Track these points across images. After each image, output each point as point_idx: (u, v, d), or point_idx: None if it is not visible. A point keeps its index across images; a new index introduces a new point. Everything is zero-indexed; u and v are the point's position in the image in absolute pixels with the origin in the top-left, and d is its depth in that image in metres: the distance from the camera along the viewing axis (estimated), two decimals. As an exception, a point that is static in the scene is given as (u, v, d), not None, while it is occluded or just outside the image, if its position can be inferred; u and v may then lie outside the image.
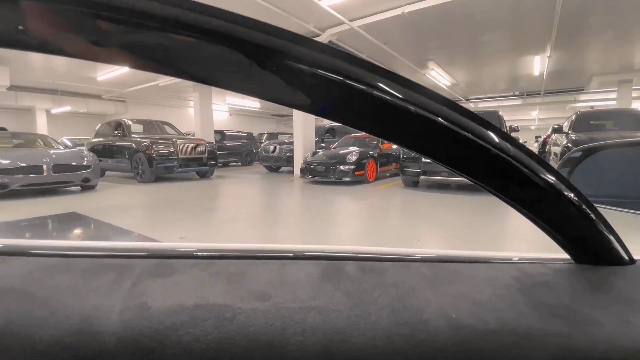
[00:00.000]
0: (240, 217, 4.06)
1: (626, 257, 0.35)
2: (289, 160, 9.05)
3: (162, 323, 0.26)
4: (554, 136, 6.51)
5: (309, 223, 3.83)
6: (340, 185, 6.62)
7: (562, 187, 0.31)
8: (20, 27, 0.19)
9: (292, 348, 0.25)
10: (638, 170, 0.70)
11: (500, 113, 6.54)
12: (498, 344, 0.26)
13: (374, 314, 0.28)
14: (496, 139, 0.28)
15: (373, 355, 0.25)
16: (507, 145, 0.28)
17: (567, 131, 5.68)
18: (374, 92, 0.24)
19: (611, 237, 0.34)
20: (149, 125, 8.24)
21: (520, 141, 0.37)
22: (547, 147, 7.25)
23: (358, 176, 6.69)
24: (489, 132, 0.28)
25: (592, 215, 0.33)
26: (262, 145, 10.44)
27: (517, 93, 14.48)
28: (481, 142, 0.27)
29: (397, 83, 0.25)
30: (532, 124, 25.86)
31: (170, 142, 7.24)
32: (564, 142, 5.28)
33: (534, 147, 13.06)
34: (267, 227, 3.63)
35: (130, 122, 7.93)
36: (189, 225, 3.56)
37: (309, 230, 3.45)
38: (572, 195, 0.31)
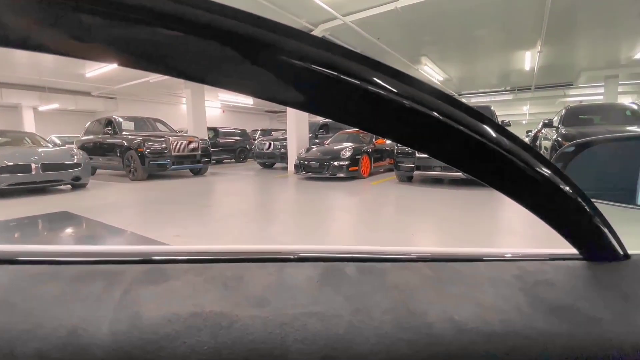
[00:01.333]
0: (236, 213, 4.04)
1: (621, 252, 0.35)
2: (283, 157, 9.00)
3: (155, 334, 0.25)
4: (544, 130, 6.59)
5: (305, 219, 3.83)
6: (335, 181, 6.62)
7: (557, 180, 0.30)
8: None
9: (293, 357, 0.24)
10: (629, 164, 0.71)
11: (492, 108, 6.61)
12: (503, 346, 0.25)
13: (376, 319, 0.27)
14: (491, 132, 0.27)
15: None
16: (502, 139, 0.28)
17: (557, 125, 5.75)
18: (370, 87, 0.23)
19: (607, 232, 0.34)
20: (141, 123, 8.11)
21: None
22: (538, 141, 7.34)
23: (352, 172, 6.69)
24: (484, 125, 0.27)
25: (588, 209, 0.32)
26: (256, 141, 10.37)
27: (508, 88, 14.58)
28: (476, 136, 0.26)
29: (393, 77, 0.24)
30: (523, 118, 26.14)
31: (162, 139, 7.15)
32: (554, 137, 5.35)
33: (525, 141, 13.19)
34: (262, 223, 3.62)
35: (121, 120, 7.79)
36: (184, 222, 3.52)
37: (305, 226, 3.45)
38: (567, 188, 0.31)
